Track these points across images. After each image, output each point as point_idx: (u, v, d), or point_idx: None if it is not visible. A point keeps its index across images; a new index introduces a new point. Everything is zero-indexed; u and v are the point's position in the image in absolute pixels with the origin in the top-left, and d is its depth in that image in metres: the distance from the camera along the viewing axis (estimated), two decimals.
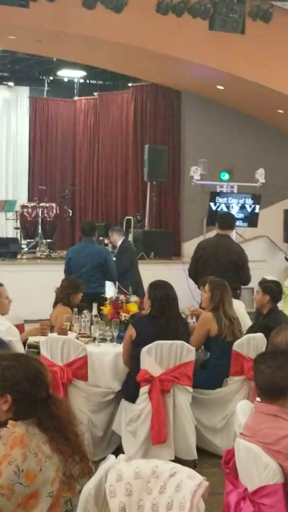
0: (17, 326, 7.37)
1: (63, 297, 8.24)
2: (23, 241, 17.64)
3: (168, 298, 6.76)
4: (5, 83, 21.53)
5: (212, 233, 12.81)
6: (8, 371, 3.36)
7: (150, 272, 12.70)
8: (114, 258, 11.75)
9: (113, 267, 10.13)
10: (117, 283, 10.92)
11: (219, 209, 15.35)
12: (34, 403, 3.31)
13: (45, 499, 3.15)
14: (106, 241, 14.40)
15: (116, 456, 3.30)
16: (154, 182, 17.78)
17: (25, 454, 3.14)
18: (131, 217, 17.81)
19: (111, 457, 3.30)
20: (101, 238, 14.49)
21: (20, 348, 6.80)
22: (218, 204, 15.56)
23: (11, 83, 21.48)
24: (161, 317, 6.65)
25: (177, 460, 6.20)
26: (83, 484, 3.23)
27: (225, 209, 15.30)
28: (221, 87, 16.69)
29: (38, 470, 3.14)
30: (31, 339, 7.50)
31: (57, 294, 8.38)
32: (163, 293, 6.77)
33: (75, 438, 3.35)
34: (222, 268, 9.37)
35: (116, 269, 10.28)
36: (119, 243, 12.66)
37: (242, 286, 9.97)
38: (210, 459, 6.81)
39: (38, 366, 3.44)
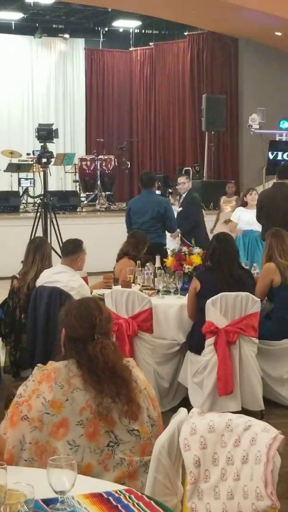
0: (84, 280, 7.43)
1: (128, 251, 8.24)
2: (82, 194, 17.70)
3: (227, 250, 6.72)
4: (61, 35, 21.47)
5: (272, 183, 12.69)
6: (67, 307, 3.58)
7: (209, 223, 12.65)
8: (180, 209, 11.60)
9: (173, 218, 10.06)
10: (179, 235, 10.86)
11: (278, 158, 15.13)
12: (77, 341, 3.44)
13: (75, 427, 3.28)
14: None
15: (185, 407, 3.31)
16: (212, 132, 17.64)
17: (51, 386, 3.30)
18: (189, 168, 17.72)
19: (183, 410, 3.31)
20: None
21: None
22: (277, 153, 15.34)
23: (66, 35, 21.39)
24: (222, 269, 6.62)
25: (244, 411, 6.21)
26: (125, 424, 3.32)
27: (285, 157, 15.06)
28: (279, 33, 16.40)
29: (64, 400, 3.28)
30: (95, 292, 7.54)
31: (123, 248, 8.38)
32: (223, 245, 6.73)
33: (121, 380, 3.40)
34: (282, 216, 9.26)
35: (175, 220, 10.23)
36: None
37: None
38: (277, 410, 6.82)
39: (92, 308, 3.53)
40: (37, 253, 7.55)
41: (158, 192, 11.77)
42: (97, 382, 3.34)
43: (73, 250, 7.24)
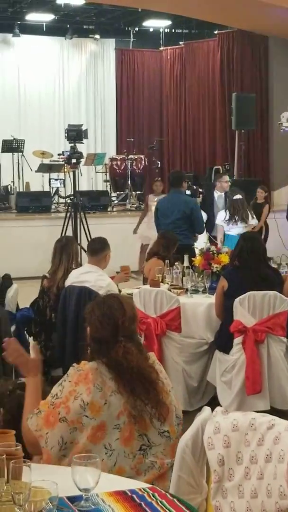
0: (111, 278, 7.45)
1: (159, 251, 8.26)
2: (113, 194, 17.73)
3: (254, 249, 6.71)
4: (91, 36, 21.49)
5: None
6: (92, 306, 3.55)
7: None
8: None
9: (200, 219, 9.93)
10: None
11: None
12: (100, 342, 3.43)
13: (112, 431, 3.29)
14: None
15: (211, 407, 3.33)
16: (242, 131, 17.57)
17: (89, 389, 3.28)
18: (219, 167, 17.67)
19: (207, 409, 3.32)
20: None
21: None
22: None
23: (97, 36, 21.41)
24: (250, 268, 6.62)
25: (272, 410, 6.21)
26: (156, 427, 3.35)
27: None
28: None
29: (102, 404, 3.28)
30: (124, 292, 7.56)
31: (153, 248, 8.40)
32: (250, 244, 6.73)
33: (149, 384, 3.39)
34: None
35: (203, 222, 10.18)
36: None
37: None
38: None
39: (115, 309, 3.49)
40: (63, 253, 7.57)
41: (188, 192, 11.76)
42: (127, 385, 3.34)
43: (101, 249, 7.24)
